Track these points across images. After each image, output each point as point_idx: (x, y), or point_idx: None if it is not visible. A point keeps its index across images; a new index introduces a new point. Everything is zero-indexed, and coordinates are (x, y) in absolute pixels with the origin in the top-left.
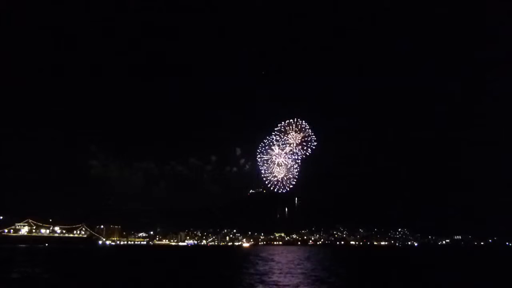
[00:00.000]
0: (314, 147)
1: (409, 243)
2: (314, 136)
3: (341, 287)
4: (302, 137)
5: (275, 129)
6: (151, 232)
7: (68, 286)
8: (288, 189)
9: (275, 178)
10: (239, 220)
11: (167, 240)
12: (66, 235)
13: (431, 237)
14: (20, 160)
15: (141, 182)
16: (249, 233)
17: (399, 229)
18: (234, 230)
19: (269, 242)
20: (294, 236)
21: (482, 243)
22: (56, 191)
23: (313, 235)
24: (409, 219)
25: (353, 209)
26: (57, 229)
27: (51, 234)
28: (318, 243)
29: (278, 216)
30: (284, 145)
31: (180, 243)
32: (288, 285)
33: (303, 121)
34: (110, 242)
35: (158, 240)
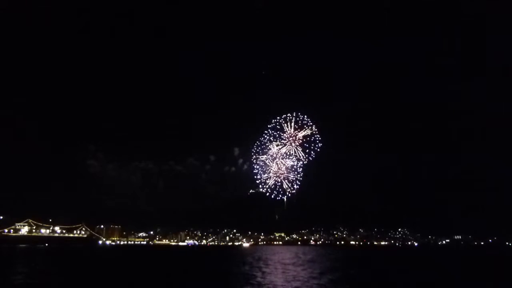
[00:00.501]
0: (318, 149)
1: (409, 243)
2: (318, 135)
3: None
4: (304, 137)
5: (270, 126)
6: (151, 232)
7: None
8: (284, 196)
9: (270, 183)
10: (239, 220)
11: (167, 240)
12: (66, 235)
13: (431, 237)
14: (19, 160)
15: (140, 182)
16: (249, 233)
17: (399, 229)
18: (234, 230)
19: (269, 242)
20: (294, 236)
21: (482, 243)
22: (56, 191)
23: (313, 235)
24: (409, 219)
25: (353, 209)
26: (57, 229)
27: (51, 234)
28: (318, 243)
29: (276, 217)
30: (281, 146)
31: (180, 243)
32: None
33: (305, 116)
34: (110, 242)
35: (158, 240)
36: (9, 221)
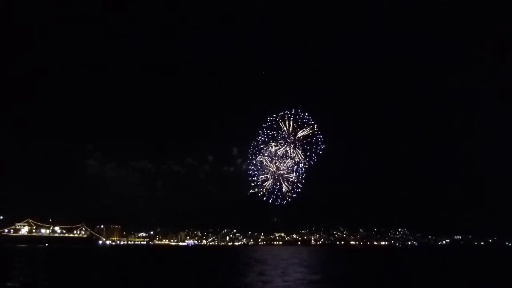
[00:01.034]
0: (320, 151)
1: (409, 243)
2: (321, 136)
3: None
4: (304, 137)
5: (268, 125)
6: (151, 232)
7: None
8: (284, 201)
9: (268, 185)
10: (239, 220)
11: (167, 240)
12: (66, 235)
13: (431, 237)
14: (18, 160)
15: (138, 182)
16: (249, 233)
17: (399, 229)
18: (234, 230)
19: (269, 242)
20: (294, 236)
21: (482, 243)
22: (56, 191)
23: (313, 235)
24: (409, 219)
25: (353, 209)
26: (57, 229)
27: (51, 234)
28: (318, 243)
29: (275, 219)
30: (279, 147)
31: (180, 243)
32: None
33: (306, 114)
34: (110, 242)
35: (158, 240)
36: (9, 221)
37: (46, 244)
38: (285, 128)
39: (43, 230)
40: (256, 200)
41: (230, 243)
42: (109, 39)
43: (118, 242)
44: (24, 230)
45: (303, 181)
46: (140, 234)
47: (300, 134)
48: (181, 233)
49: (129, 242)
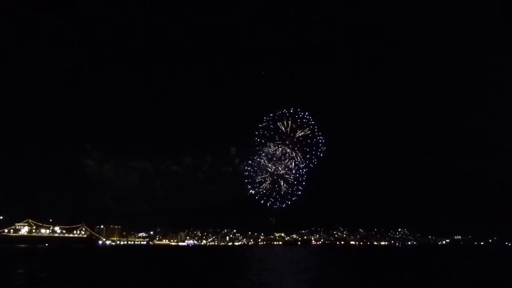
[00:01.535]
0: (320, 152)
1: (409, 243)
2: (319, 135)
3: None
4: (303, 137)
5: (267, 125)
6: (151, 232)
7: None
8: (282, 205)
9: (265, 186)
10: (239, 220)
11: (167, 240)
12: (66, 235)
13: (431, 237)
14: (18, 160)
15: (137, 182)
16: (249, 233)
17: (399, 229)
18: (234, 230)
19: (269, 242)
20: (294, 236)
21: (482, 243)
22: (56, 191)
23: (313, 235)
24: (409, 219)
25: (353, 209)
26: (57, 229)
27: (51, 234)
28: (318, 243)
29: (273, 221)
30: (277, 147)
31: (180, 243)
32: None
33: (305, 114)
34: (110, 242)
35: (158, 240)
36: (9, 221)
37: (46, 244)
38: (283, 129)
39: (43, 230)
40: (256, 200)
41: (230, 243)
42: (108, 39)
43: (118, 242)
44: (24, 230)
45: (303, 183)
46: (140, 234)
47: (299, 134)
48: (181, 233)
49: (129, 242)
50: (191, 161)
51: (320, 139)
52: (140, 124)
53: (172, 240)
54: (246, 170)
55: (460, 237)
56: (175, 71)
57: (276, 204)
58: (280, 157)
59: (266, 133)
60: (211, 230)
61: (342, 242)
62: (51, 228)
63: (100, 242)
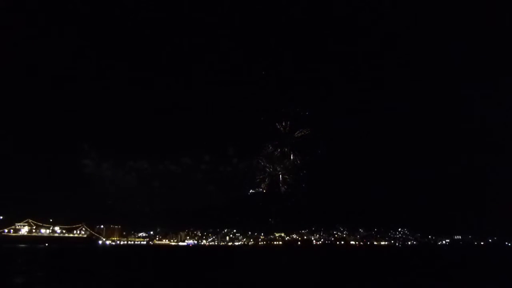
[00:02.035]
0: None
1: (409, 243)
2: (318, 135)
3: None
4: (302, 136)
5: (265, 125)
6: (151, 232)
7: None
8: (281, 205)
9: (263, 188)
10: (239, 220)
11: (167, 240)
12: (66, 235)
13: (431, 237)
14: (19, 160)
15: (136, 182)
16: (249, 233)
17: (399, 229)
18: (234, 230)
19: (269, 242)
20: (294, 236)
21: (482, 243)
22: (56, 191)
23: (313, 235)
24: (409, 219)
25: (353, 209)
26: (57, 229)
27: (51, 234)
28: (318, 243)
29: (271, 222)
30: (276, 147)
31: (180, 243)
32: None
33: (305, 114)
34: (110, 242)
35: (158, 240)
36: (9, 221)
37: (46, 244)
38: (283, 128)
39: (43, 230)
40: (256, 200)
41: (230, 243)
42: (106, 38)
43: (118, 242)
44: (24, 230)
45: (303, 183)
46: (140, 234)
47: (298, 134)
48: (181, 233)
49: (129, 242)
50: (189, 161)
51: (319, 139)
52: (138, 124)
53: (172, 240)
54: (245, 170)
55: (460, 237)
56: (173, 71)
57: (275, 204)
58: (279, 157)
59: (265, 133)
60: (211, 230)
61: (342, 242)
62: (51, 228)
63: (100, 242)
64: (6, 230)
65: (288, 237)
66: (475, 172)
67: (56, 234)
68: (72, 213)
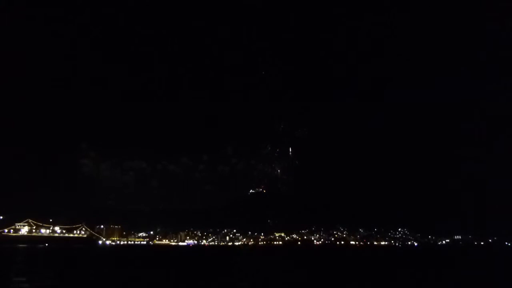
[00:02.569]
0: (318, 152)
1: (409, 243)
2: (316, 135)
3: None
4: (300, 136)
5: (264, 125)
6: (151, 232)
7: None
8: (280, 205)
9: (262, 188)
10: (239, 220)
11: (167, 240)
12: (66, 235)
13: (431, 237)
14: (19, 160)
15: (134, 181)
16: (249, 233)
17: (399, 229)
18: (234, 230)
19: (269, 243)
20: (294, 236)
21: (482, 243)
22: (56, 191)
23: (313, 235)
24: (409, 219)
25: (353, 209)
26: (57, 229)
27: (51, 234)
28: (318, 243)
29: (270, 222)
30: (274, 147)
31: (180, 243)
32: None
33: (303, 113)
34: (110, 242)
35: (158, 240)
36: (9, 221)
37: (46, 244)
38: (281, 128)
39: (43, 230)
40: (256, 200)
41: (230, 243)
42: (106, 39)
43: (118, 242)
44: (24, 230)
45: (302, 184)
46: (140, 234)
47: (297, 134)
48: (181, 233)
49: (129, 242)
50: (188, 161)
51: (318, 138)
52: (136, 124)
53: (172, 240)
54: (244, 170)
55: (460, 237)
56: (171, 72)
57: (274, 205)
58: (278, 156)
59: (263, 133)
60: (211, 230)
61: (342, 242)
62: (51, 228)
63: (100, 242)
64: (6, 230)
65: (288, 237)
66: (476, 173)
67: (56, 234)
68: (72, 213)
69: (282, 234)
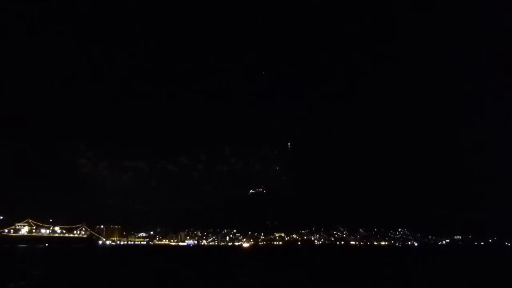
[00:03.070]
0: (317, 151)
1: (409, 243)
2: (315, 135)
3: None
4: (299, 136)
5: (262, 125)
6: (151, 232)
7: None
8: (279, 205)
9: (261, 188)
10: (239, 220)
11: (167, 240)
12: (66, 235)
13: (431, 237)
14: (19, 161)
15: (132, 181)
16: (249, 233)
17: (399, 229)
18: (234, 230)
19: (269, 243)
20: (294, 236)
21: (482, 243)
22: (56, 191)
23: (313, 235)
24: (409, 219)
25: (353, 209)
26: (57, 229)
27: (51, 234)
28: (318, 243)
29: (268, 223)
30: (271, 147)
31: (180, 243)
32: None
33: (302, 113)
34: (110, 242)
35: (158, 240)
36: (9, 221)
37: (46, 244)
38: (278, 128)
39: (43, 230)
40: (256, 200)
41: (230, 243)
42: (104, 40)
43: (118, 242)
44: (24, 230)
45: (302, 184)
46: (140, 234)
47: (295, 134)
48: (181, 233)
49: (129, 242)
50: (186, 161)
51: (316, 137)
52: (135, 124)
53: (172, 240)
54: (243, 170)
55: (460, 237)
56: (171, 71)
57: (274, 205)
58: (278, 157)
59: (263, 134)
60: (211, 230)
61: (342, 242)
62: (51, 228)
63: (100, 242)
64: (6, 230)
65: (288, 237)
66: (475, 173)
67: (56, 234)
68: (72, 213)
69: (282, 234)
